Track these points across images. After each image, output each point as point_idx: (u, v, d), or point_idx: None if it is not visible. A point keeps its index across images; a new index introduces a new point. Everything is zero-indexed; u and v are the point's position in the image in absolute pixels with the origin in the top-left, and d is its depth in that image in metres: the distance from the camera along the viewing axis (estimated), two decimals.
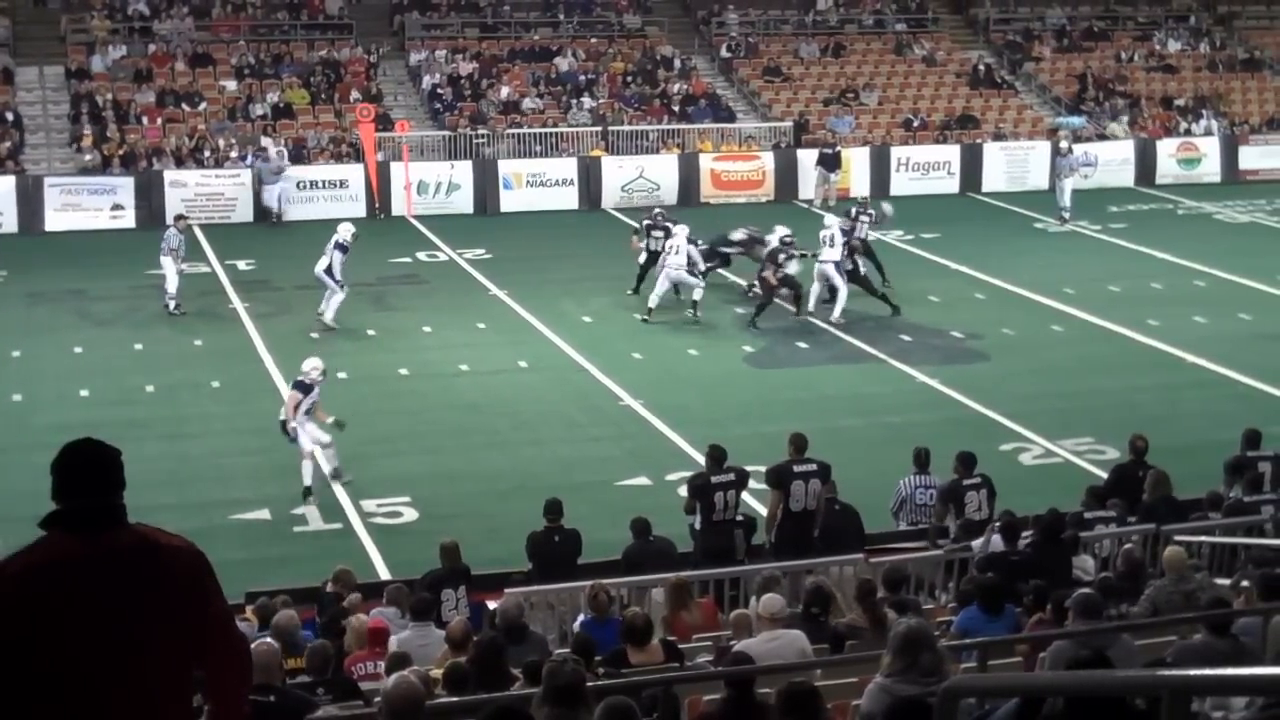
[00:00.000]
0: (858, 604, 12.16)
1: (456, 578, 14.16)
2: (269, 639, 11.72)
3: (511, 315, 28.47)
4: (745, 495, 16.45)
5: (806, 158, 40.44)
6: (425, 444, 21.53)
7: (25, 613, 5.24)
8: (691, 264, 28.07)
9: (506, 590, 13.73)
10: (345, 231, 27.38)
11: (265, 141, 38.39)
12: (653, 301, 27.81)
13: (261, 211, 36.57)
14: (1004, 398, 23.16)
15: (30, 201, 35.53)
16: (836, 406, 22.81)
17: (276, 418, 19.50)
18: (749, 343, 26.54)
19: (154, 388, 23.85)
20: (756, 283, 27.92)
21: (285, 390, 19.71)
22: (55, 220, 35.44)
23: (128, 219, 35.81)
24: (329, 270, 27.01)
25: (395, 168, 37.95)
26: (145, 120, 39.36)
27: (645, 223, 29.86)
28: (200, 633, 5.43)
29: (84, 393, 23.49)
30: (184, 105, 40.05)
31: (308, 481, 19.11)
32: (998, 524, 14.43)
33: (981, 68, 46.36)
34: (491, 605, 13.38)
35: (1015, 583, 12.39)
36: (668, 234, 28.41)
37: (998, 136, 43.02)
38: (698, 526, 15.87)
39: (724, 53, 45.95)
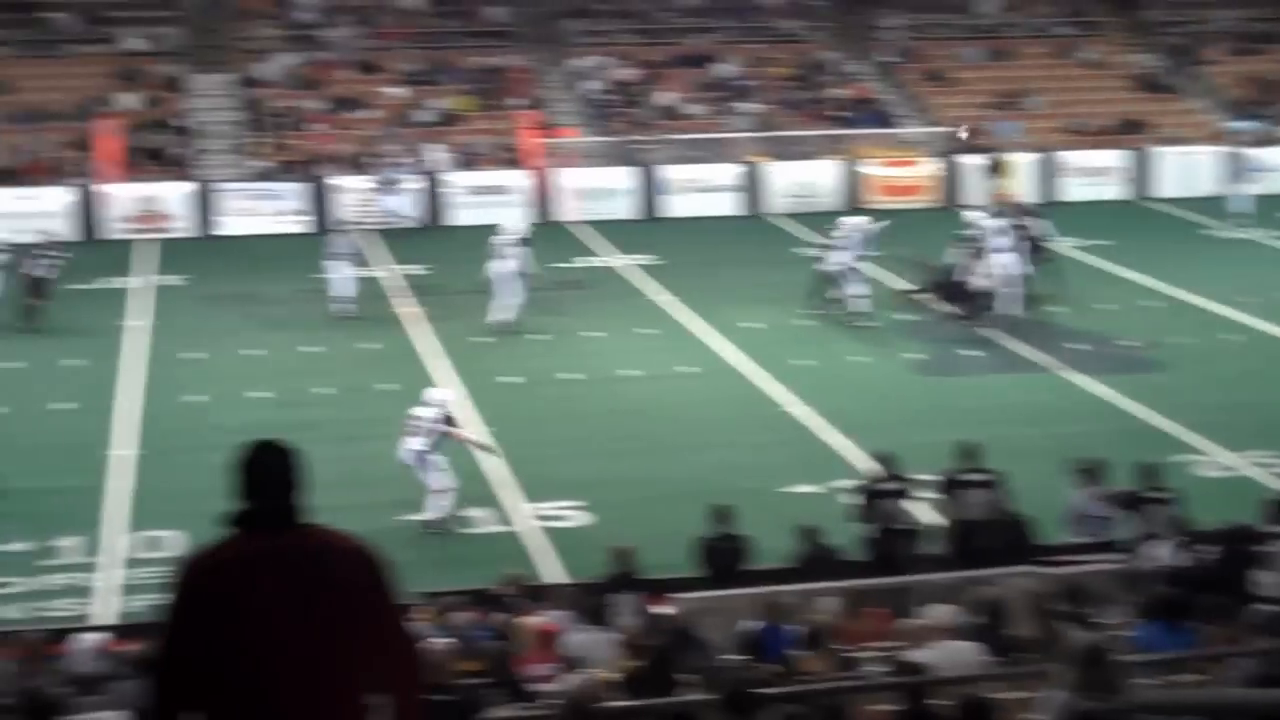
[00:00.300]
0: (1031, 616, 12.02)
1: (627, 582, 14.21)
2: (441, 639, 11.89)
3: (674, 320, 28.56)
4: (913, 504, 16.33)
5: (970, 163, 40.03)
6: (591, 448, 21.65)
7: (210, 607, 5.41)
8: (851, 265, 27.98)
9: (675, 595, 13.75)
10: (517, 228, 28.33)
11: (430, 148, 38.95)
12: (827, 296, 27.84)
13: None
14: (1177, 408, 22.69)
15: (205, 207, 36.54)
16: (1006, 415, 22.49)
17: (423, 448, 19.21)
18: (915, 349, 26.33)
19: (324, 390, 24.26)
20: (961, 282, 27.67)
21: (432, 413, 19.46)
22: (229, 225, 36.32)
23: (298, 224, 36.52)
24: (510, 272, 27.60)
25: (558, 173, 38.24)
26: (314, 127, 40.11)
27: (825, 238, 29.45)
28: (374, 632, 5.54)
29: (258, 394, 23.98)
30: (351, 112, 40.74)
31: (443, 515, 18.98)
32: (1178, 537, 14.16)
33: (1149, 71, 45.53)
34: (661, 610, 13.40)
35: (1196, 597, 12.15)
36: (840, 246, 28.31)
37: (1167, 141, 42.18)
38: (866, 534, 15.78)
39: (886, 57, 45.63)
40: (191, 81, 41.62)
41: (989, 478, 15.76)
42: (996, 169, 39.19)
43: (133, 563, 17.98)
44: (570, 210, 37.89)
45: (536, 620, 13.07)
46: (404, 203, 37.07)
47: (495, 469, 20.65)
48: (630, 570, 14.49)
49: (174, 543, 18.12)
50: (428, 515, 18.76)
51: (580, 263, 33.54)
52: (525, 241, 28.29)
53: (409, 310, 29.36)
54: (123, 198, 36.78)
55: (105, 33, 42.44)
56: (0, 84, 40.29)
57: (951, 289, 27.93)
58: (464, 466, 20.74)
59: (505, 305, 27.62)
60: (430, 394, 19.71)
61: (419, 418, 19.07)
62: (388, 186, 37.18)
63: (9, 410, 23.67)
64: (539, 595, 14.29)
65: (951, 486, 15.84)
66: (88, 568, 17.91)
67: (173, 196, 36.98)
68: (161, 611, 5.54)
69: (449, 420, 19.19)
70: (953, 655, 10.97)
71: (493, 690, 11.04)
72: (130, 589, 17.25)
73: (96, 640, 13.27)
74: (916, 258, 29.32)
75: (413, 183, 37.72)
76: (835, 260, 28.03)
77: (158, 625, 5.61)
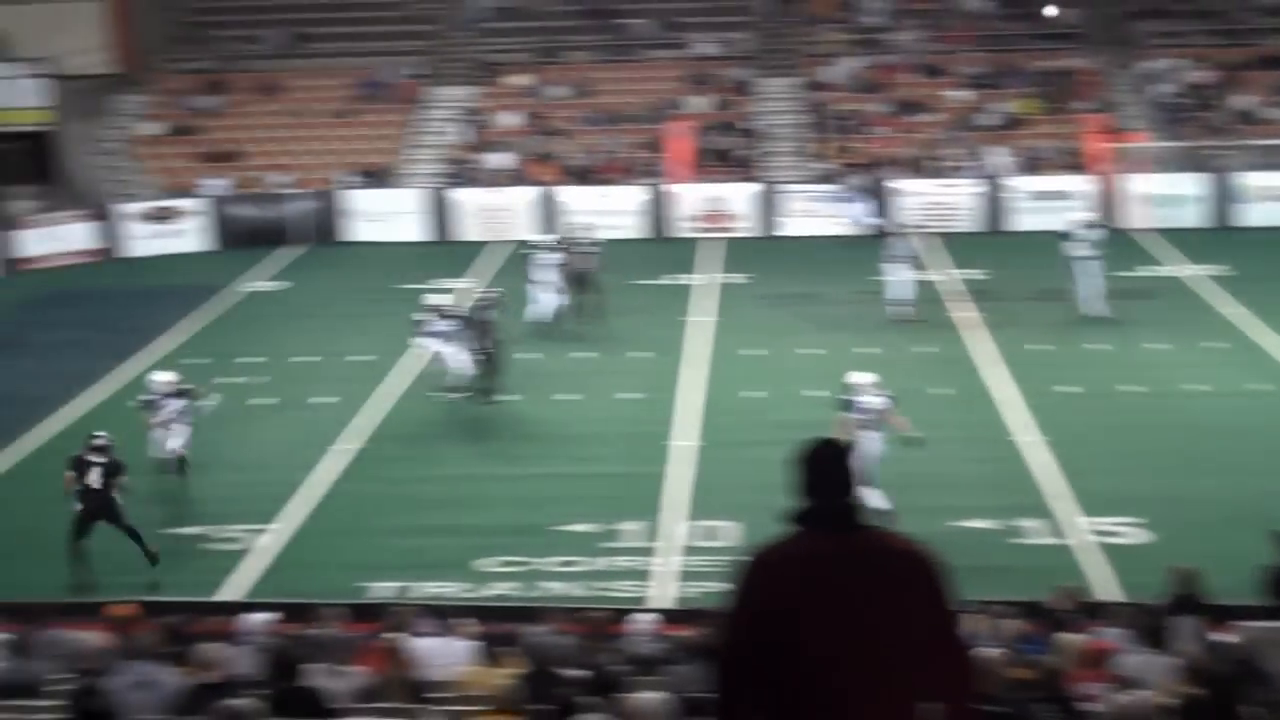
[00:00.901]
0: None
1: (1188, 605, 13.64)
2: (991, 648, 11.74)
3: (1245, 335, 27.22)
4: None
5: None
6: (1153, 463, 20.91)
7: (779, 599, 5.48)
8: None
9: (1240, 623, 13.09)
10: (1091, 218, 28.59)
11: (992, 151, 38.55)
12: None
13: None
14: None
15: (769, 208, 37.41)
16: None
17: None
18: None
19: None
20: None
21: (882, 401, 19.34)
22: (791, 226, 36.98)
23: (853, 227, 36.78)
24: (1081, 260, 28.18)
25: (1125, 179, 37.09)
26: (876, 130, 40.38)
27: None
28: (931, 637, 5.50)
29: (814, 393, 24.24)
30: (914, 115, 40.77)
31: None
32: None
33: None
34: (1224, 638, 12.79)
35: None
36: None
37: None
38: None
39: None
40: (759, 85, 42.64)
41: None
42: None
43: (689, 550, 18.56)
44: (1136, 217, 36.67)
45: (1088, 637, 12.74)
46: (866, 211, 36.67)
47: (1050, 480, 20.27)
48: (1192, 593, 13.90)
49: (729, 533, 18.64)
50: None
51: (1145, 271, 32.38)
52: (1097, 231, 28.39)
53: (966, 315, 29.13)
54: (691, 197, 38.04)
55: (679, 38, 44.02)
56: (581, 87, 42.43)
57: None
58: (1018, 476, 20.51)
59: (1089, 296, 27.93)
60: (861, 379, 19.38)
61: (875, 408, 18.87)
62: (851, 195, 36.92)
63: (581, 398, 24.89)
64: (1095, 612, 13.92)
65: None
66: (647, 552, 18.61)
67: (738, 197, 38.00)
68: (724, 604, 5.66)
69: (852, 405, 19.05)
70: None
71: (1042, 704, 10.82)
72: (686, 575, 17.83)
73: (652, 622, 13.74)
74: None
75: (974, 186, 37.40)
76: None
77: (719, 617, 5.74)
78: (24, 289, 34.41)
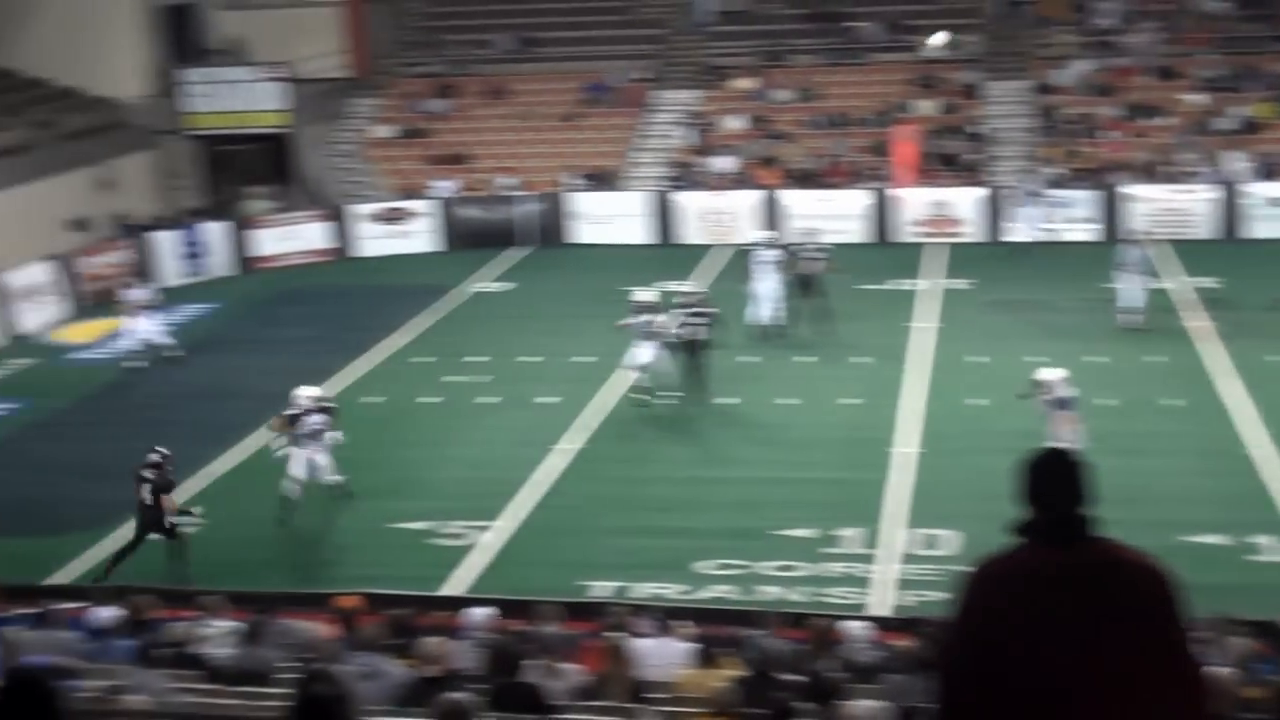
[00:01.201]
0: None
1: None
2: (1223, 667, 11.41)
3: None
4: None
5: None
6: None
7: (1002, 614, 5.35)
8: None
9: None
10: None
11: (1229, 156, 37.47)
12: None
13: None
14: None
15: (995, 212, 36.81)
16: None
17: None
18: None
19: (1108, 402, 23.72)
20: None
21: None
22: (1017, 232, 36.25)
23: (1088, 232, 36.04)
24: None
25: None
26: (1108, 134, 39.50)
27: None
28: (1163, 656, 5.32)
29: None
30: (1148, 119, 39.80)
31: None
32: None
33: None
34: None
35: None
36: None
37: None
38: None
39: None
40: (988, 88, 41.99)
41: None
42: None
43: (908, 558, 18.35)
44: None
45: None
46: (1038, 217, 35.60)
47: None
48: None
49: (949, 542, 18.39)
50: None
51: None
52: None
53: (1199, 325, 28.32)
54: (915, 202, 37.63)
55: (907, 40, 43.56)
56: (808, 91, 42.26)
57: None
58: (1252, 491, 19.95)
59: None
60: (1054, 375, 19.93)
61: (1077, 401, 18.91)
62: (1025, 199, 35.91)
63: (802, 402, 24.77)
64: None
65: None
66: (866, 559, 18.45)
67: (963, 202, 37.48)
68: (945, 616, 5.56)
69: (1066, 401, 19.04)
70: None
71: None
72: (905, 584, 17.63)
73: (865, 629, 13.60)
74: None
75: (1209, 191, 36.36)
76: None
77: (938, 627, 5.65)
78: (259, 287, 35.43)
